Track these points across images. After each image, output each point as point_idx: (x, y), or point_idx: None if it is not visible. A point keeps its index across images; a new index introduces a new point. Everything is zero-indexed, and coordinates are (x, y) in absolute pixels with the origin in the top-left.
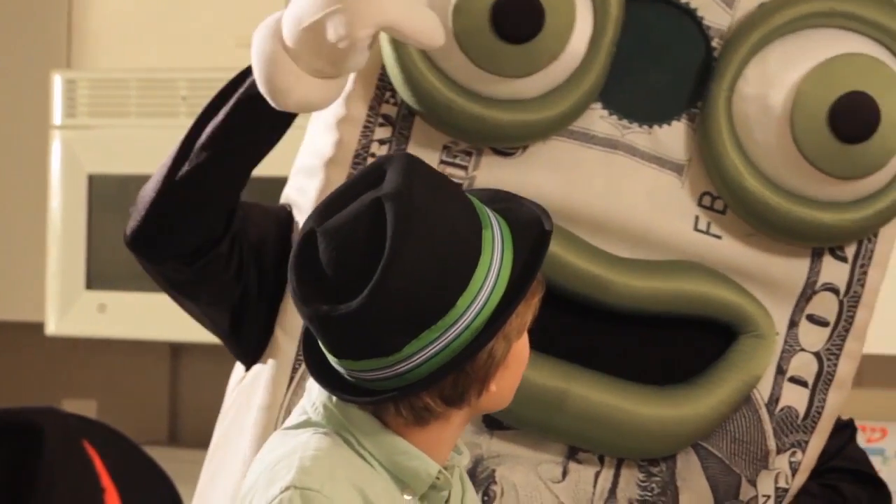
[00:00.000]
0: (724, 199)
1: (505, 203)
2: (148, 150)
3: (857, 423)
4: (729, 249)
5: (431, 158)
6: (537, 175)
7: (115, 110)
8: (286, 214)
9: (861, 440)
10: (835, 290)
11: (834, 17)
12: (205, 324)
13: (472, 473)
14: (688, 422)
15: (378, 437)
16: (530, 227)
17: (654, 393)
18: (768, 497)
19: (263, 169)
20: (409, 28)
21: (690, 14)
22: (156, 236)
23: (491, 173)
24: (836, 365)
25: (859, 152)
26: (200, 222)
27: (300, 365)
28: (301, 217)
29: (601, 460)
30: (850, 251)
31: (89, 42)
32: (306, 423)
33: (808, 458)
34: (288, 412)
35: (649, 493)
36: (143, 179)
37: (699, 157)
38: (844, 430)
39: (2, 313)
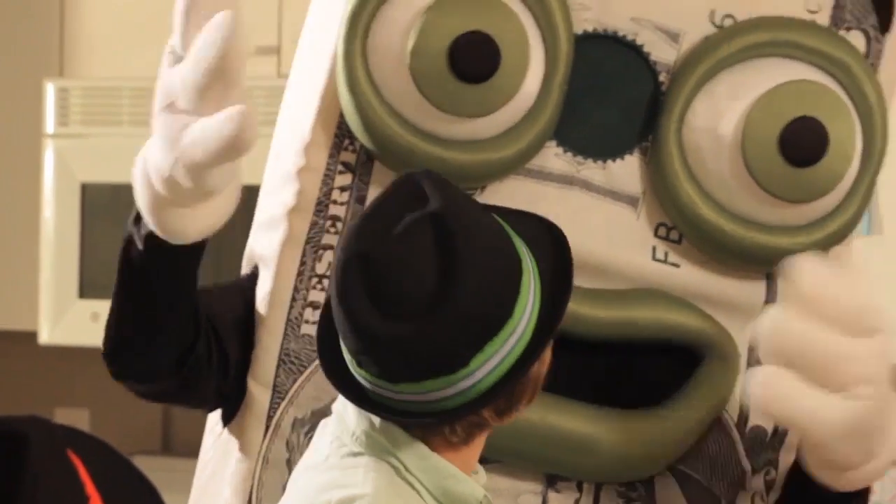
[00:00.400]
0: (680, 228)
1: (503, 216)
2: None
3: None
4: (688, 277)
5: None
6: None
7: (107, 119)
8: (251, 282)
9: None
10: None
11: (778, 47)
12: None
13: None
14: (661, 443)
15: (427, 461)
16: (540, 231)
17: (626, 417)
18: None
19: (249, 178)
20: (223, 152)
21: (637, 50)
22: (132, 365)
23: None
24: None
25: (810, 176)
26: (167, 341)
27: (275, 413)
28: (268, 272)
29: (580, 488)
30: None
31: (82, 50)
32: (351, 455)
33: (781, 475)
34: (266, 460)
35: None
36: None
37: (652, 189)
38: None
39: None
